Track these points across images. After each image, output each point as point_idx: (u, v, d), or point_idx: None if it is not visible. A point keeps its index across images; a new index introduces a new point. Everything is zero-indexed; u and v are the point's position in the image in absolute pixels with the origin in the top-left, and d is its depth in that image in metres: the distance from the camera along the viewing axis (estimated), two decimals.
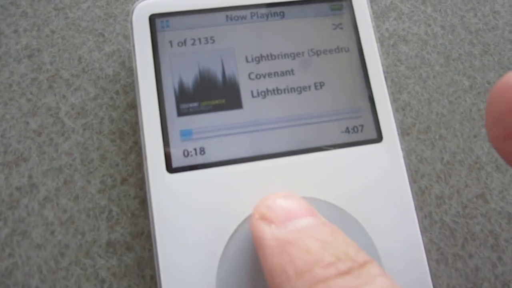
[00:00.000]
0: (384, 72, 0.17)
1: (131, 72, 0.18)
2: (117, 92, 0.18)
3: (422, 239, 0.16)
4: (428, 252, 0.18)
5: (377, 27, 0.20)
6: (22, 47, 0.18)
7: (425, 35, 0.21)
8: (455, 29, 0.21)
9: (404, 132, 0.19)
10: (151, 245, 0.17)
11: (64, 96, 0.18)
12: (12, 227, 0.16)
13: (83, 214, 0.17)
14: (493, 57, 0.21)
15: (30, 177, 0.17)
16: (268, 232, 0.13)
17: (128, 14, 0.19)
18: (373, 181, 0.16)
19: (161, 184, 0.15)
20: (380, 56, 0.17)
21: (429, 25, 0.21)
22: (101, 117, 0.18)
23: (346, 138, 0.17)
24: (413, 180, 0.19)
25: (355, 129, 0.17)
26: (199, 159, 0.16)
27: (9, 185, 0.17)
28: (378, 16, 0.20)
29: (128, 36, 0.19)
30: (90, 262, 0.16)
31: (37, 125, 0.17)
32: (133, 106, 0.18)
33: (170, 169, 0.15)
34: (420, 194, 0.19)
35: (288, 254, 0.12)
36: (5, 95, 0.18)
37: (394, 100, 0.19)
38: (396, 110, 0.19)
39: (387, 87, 0.17)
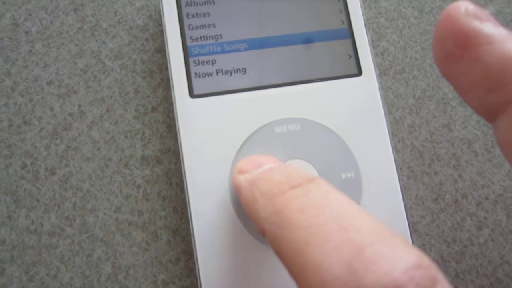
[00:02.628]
0: (365, 21, 0.21)
1: (157, 23, 0.22)
2: (146, 39, 0.22)
3: (393, 154, 0.20)
4: (400, 169, 0.22)
5: None
6: (69, 2, 0.22)
7: None
8: None
9: (382, 72, 0.23)
10: (176, 159, 0.21)
11: (104, 42, 0.22)
12: (67, 144, 0.21)
13: (122, 135, 0.21)
14: None
15: (79, 106, 0.21)
16: (243, 179, 0.16)
17: None
18: (355, 106, 0.20)
19: (185, 107, 0.19)
20: (362, 8, 0.21)
21: None
22: (134, 59, 0.22)
23: (332, 73, 0.21)
24: (389, 112, 0.23)
25: (339, 67, 0.21)
26: (214, 88, 0.20)
27: (63, 112, 0.21)
28: None
29: None
30: (128, 172, 0.21)
31: (83, 65, 0.22)
32: (160, 50, 0.22)
33: (192, 95, 0.19)
34: (395, 123, 0.23)
35: (255, 185, 0.15)
36: (57, 41, 0.22)
37: (374, 46, 0.23)
38: (376, 55, 0.23)
39: (368, 35, 0.21)
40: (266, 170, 0.16)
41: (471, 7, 0.14)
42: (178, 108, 0.19)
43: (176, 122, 0.19)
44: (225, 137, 0.19)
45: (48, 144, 0.21)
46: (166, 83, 0.22)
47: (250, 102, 0.20)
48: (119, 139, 0.21)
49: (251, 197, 0.15)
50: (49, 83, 0.21)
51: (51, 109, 0.21)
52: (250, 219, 0.15)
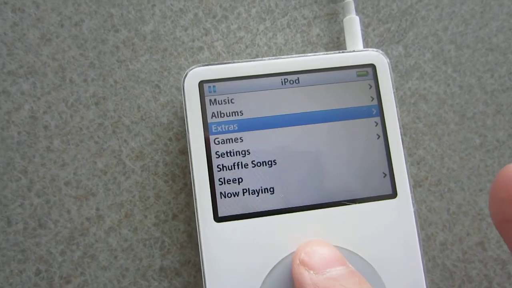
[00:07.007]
0: (401, 133, 0.20)
1: (182, 121, 0.21)
2: (170, 139, 0.21)
3: (426, 281, 0.19)
4: None
5: (400, 86, 0.23)
6: (90, 95, 0.21)
7: (444, 94, 0.23)
8: (472, 89, 0.23)
9: (417, 184, 0.22)
10: (196, 272, 0.20)
11: (125, 141, 0.21)
12: (83, 250, 0.20)
13: (141, 243, 0.20)
14: (504, 116, 0.23)
15: (97, 209, 0.20)
16: (308, 278, 0.16)
17: (181, 68, 0.22)
18: (386, 231, 0.19)
19: (209, 231, 0.18)
20: (399, 120, 0.20)
21: (448, 84, 0.23)
22: (156, 161, 0.21)
23: (365, 194, 0.19)
24: (421, 227, 0.21)
25: (373, 186, 0.19)
26: (240, 210, 0.19)
27: (81, 216, 0.20)
28: (403, 75, 0.23)
29: (180, 88, 0.22)
30: (145, 283, 0.20)
31: (103, 165, 0.21)
32: (184, 152, 0.21)
33: (217, 218, 0.18)
34: (426, 240, 0.21)
35: None
36: (76, 138, 0.21)
37: (410, 154, 0.22)
38: (411, 164, 0.22)
39: (406, 143, 0.20)
40: (336, 280, 0.16)
41: None
42: (201, 232, 0.18)
43: (199, 244, 0.18)
44: (250, 266, 0.18)
45: (63, 250, 0.20)
46: (189, 189, 0.21)
47: (277, 226, 0.19)
48: (137, 248, 0.20)
49: None
50: (66, 184, 0.20)
51: (68, 212, 0.20)
52: None
